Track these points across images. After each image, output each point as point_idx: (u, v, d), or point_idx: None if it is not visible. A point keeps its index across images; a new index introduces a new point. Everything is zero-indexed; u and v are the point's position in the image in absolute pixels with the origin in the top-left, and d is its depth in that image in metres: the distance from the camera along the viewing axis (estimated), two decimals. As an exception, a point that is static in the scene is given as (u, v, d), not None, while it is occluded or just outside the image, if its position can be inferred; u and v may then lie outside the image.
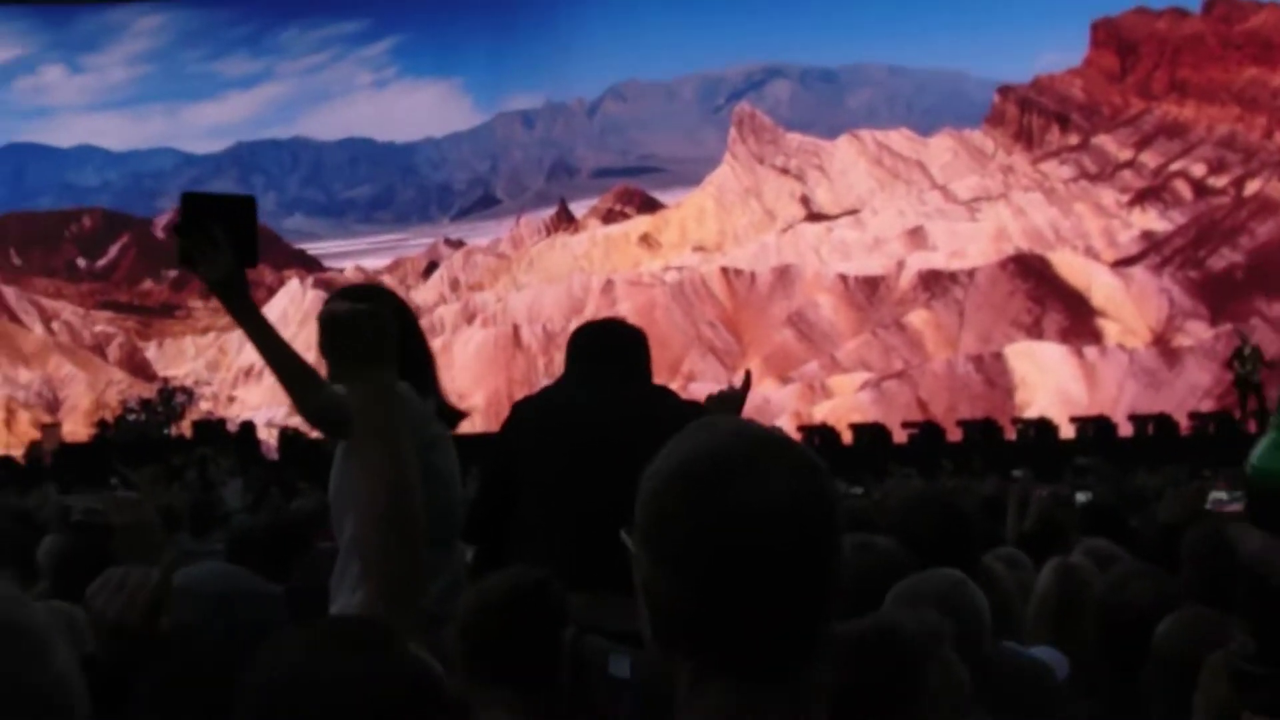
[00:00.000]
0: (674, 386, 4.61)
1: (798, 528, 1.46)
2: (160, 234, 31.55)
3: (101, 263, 31.41)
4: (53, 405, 29.80)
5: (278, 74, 30.10)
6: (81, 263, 31.50)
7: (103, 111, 31.30)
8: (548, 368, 25.16)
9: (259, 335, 3.12)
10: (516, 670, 3.02)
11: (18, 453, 26.16)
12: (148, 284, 31.10)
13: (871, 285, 23.91)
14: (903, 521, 3.78)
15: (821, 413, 23.30)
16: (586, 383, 4.42)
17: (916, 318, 23.84)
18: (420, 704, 1.56)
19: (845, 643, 2.42)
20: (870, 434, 20.93)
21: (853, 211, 24.26)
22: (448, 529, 3.65)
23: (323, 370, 3.04)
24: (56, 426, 27.14)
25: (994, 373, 23.39)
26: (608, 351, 4.49)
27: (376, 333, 2.40)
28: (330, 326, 2.42)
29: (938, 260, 23.99)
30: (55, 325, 30.83)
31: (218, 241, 2.86)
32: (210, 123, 30.74)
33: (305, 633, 1.63)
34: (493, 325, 27.53)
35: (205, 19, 30.52)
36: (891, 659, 2.40)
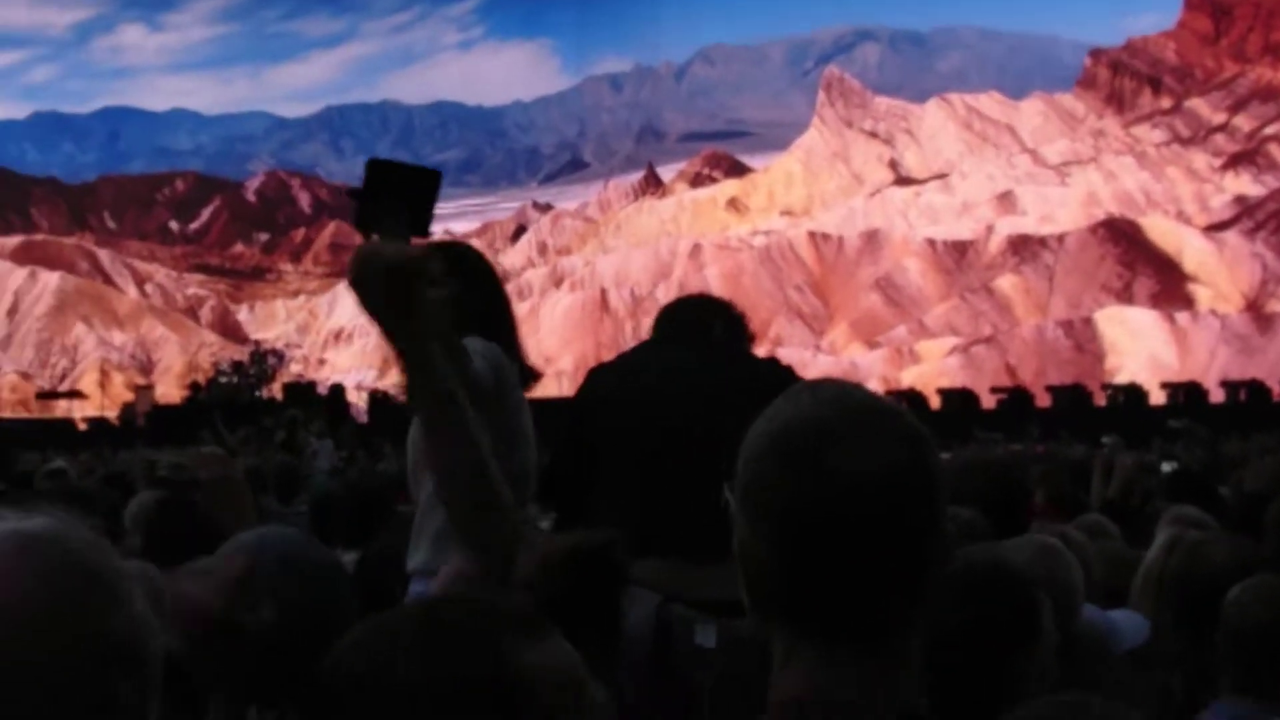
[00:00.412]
0: (761, 351, 4.56)
1: (896, 497, 1.45)
2: (251, 197, 31.81)
3: (194, 226, 31.82)
4: (146, 367, 30.16)
5: (362, 33, 30.33)
6: (174, 226, 31.92)
7: (185, 73, 31.69)
8: (635, 331, 25.26)
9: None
10: (576, 633, 3.01)
11: (112, 414, 26.55)
12: (239, 247, 31.47)
13: (960, 250, 23.84)
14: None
15: (909, 378, 23.28)
16: (674, 346, 4.37)
17: (1005, 283, 23.74)
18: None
19: (961, 577, 2.41)
20: (958, 399, 20.77)
21: (941, 176, 24.18)
22: (523, 492, 3.65)
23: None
24: (150, 388, 27.55)
25: (1084, 338, 23.26)
26: (699, 322, 4.43)
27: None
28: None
29: (1027, 225, 23.87)
30: (148, 288, 31.22)
31: (395, 211, 2.77)
32: (296, 84, 31.07)
33: (416, 623, 1.56)
34: (580, 289, 27.64)
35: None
36: (1012, 595, 2.39)
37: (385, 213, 2.73)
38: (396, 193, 2.77)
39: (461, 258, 3.67)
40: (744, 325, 4.46)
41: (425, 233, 2.76)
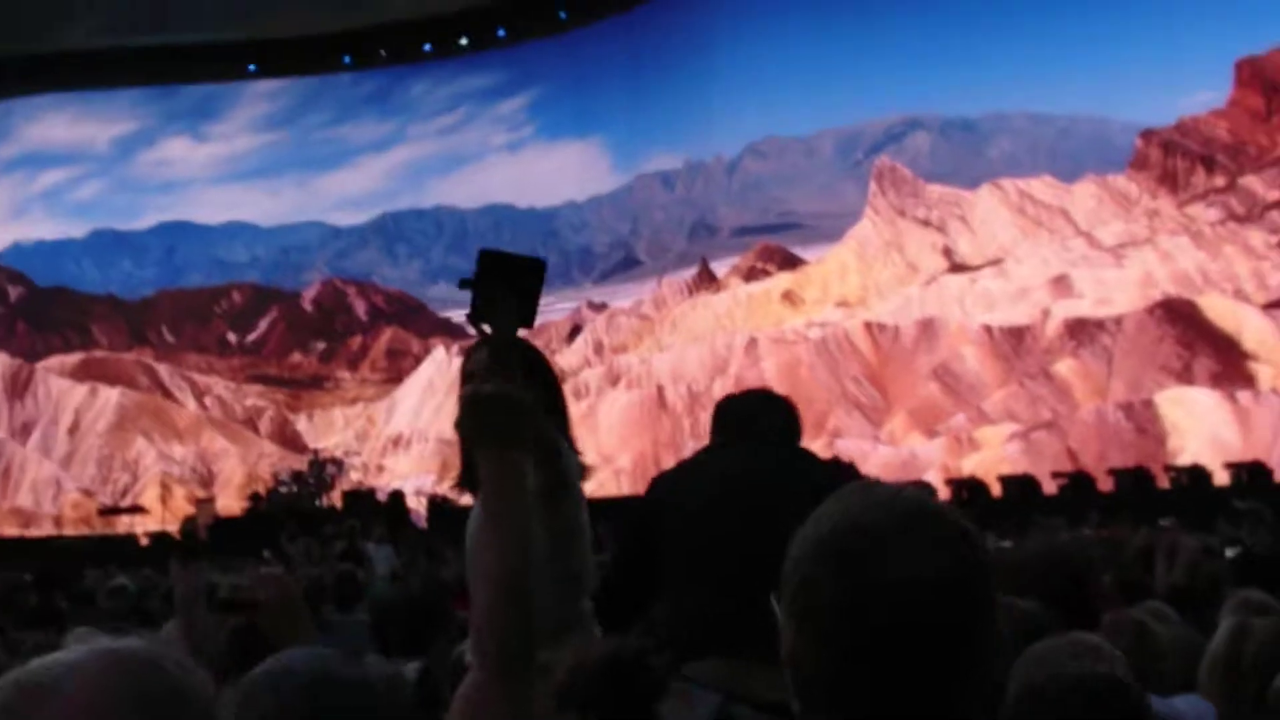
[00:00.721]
0: (819, 443, 4.55)
1: (944, 602, 1.44)
2: (308, 307, 31.95)
3: (251, 337, 31.86)
4: (206, 480, 30.20)
5: (410, 136, 30.45)
6: (232, 337, 31.97)
7: (234, 183, 31.80)
8: (693, 428, 25.13)
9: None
10: None
11: (173, 528, 26.52)
12: (296, 357, 31.50)
13: (1017, 335, 23.66)
14: (1012, 581, 3.71)
15: (970, 465, 23.07)
16: (732, 446, 4.38)
17: (1064, 366, 23.55)
18: None
19: (1081, 690, 2.39)
20: (1020, 486, 20.67)
21: (996, 261, 24.05)
22: (580, 588, 3.65)
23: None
24: (211, 501, 27.51)
25: (1144, 420, 23.04)
26: (754, 418, 4.44)
27: (513, 412, 2.41)
28: (470, 406, 2.43)
29: (1084, 308, 23.70)
30: (208, 400, 31.28)
31: (506, 302, 2.79)
32: (347, 191, 31.15)
33: None
34: (637, 387, 27.56)
35: (324, 80, 30.99)
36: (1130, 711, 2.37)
37: (497, 304, 2.77)
38: (507, 283, 2.80)
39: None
40: (797, 421, 4.46)
41: (531, 324, 2.80)
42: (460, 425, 2.49)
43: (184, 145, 31.20)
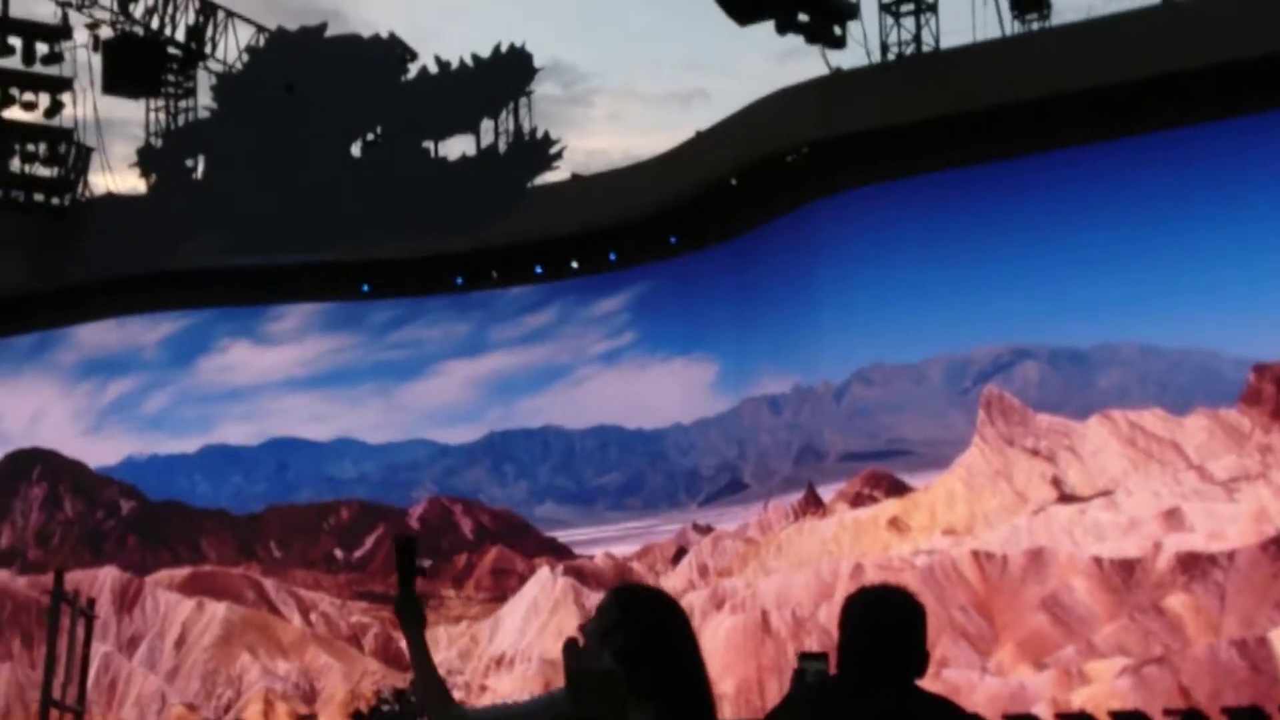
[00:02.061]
0: (926, 673, 4.52)
1: None
2: (415, 524, 32.09)
3: (358, 553, 31.99)
4: (309, 696, 30.17)
5: (493, 341, 30.70)
6: (339, 554, 32.11)
7: (309, 391, 32.07)
8: (798, 653, 24.89)
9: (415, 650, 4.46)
10: None
11: (275, 744, 26.48)
12: (402, 573, 31.53)
13: (1128, 568, 23.37)
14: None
15: (1079, 699, 22.67)
16: (858, 684, 4.33)
17: (1175, 601, 23.20)
18: None
19: None
20: (1131, 722, 20.34)
21: (1106, 493, 23.83)
22: None
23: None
24: (313, 717, 27.46)
25: (1259, 658, 22.60)
26: (883, 636, 4.40)
27: (614, 694, 2.56)
28: (577, 683, 2.66)
29: (1196, 542, 23.40)
30: (313, 616, 31.35)
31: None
32: (441, 401, 31.32)
33: None
34: (742, 611, 27.39)
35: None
36: None
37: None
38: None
39: (643, 609, 3.80)
40: (924, 636, 4.42)
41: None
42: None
43: (245, 350, 31.57)
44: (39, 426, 33.98)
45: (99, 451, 32.98)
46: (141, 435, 32.91)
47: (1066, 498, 24.40)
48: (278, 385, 32.52)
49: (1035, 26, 25.20)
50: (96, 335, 33.07)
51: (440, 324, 31.77)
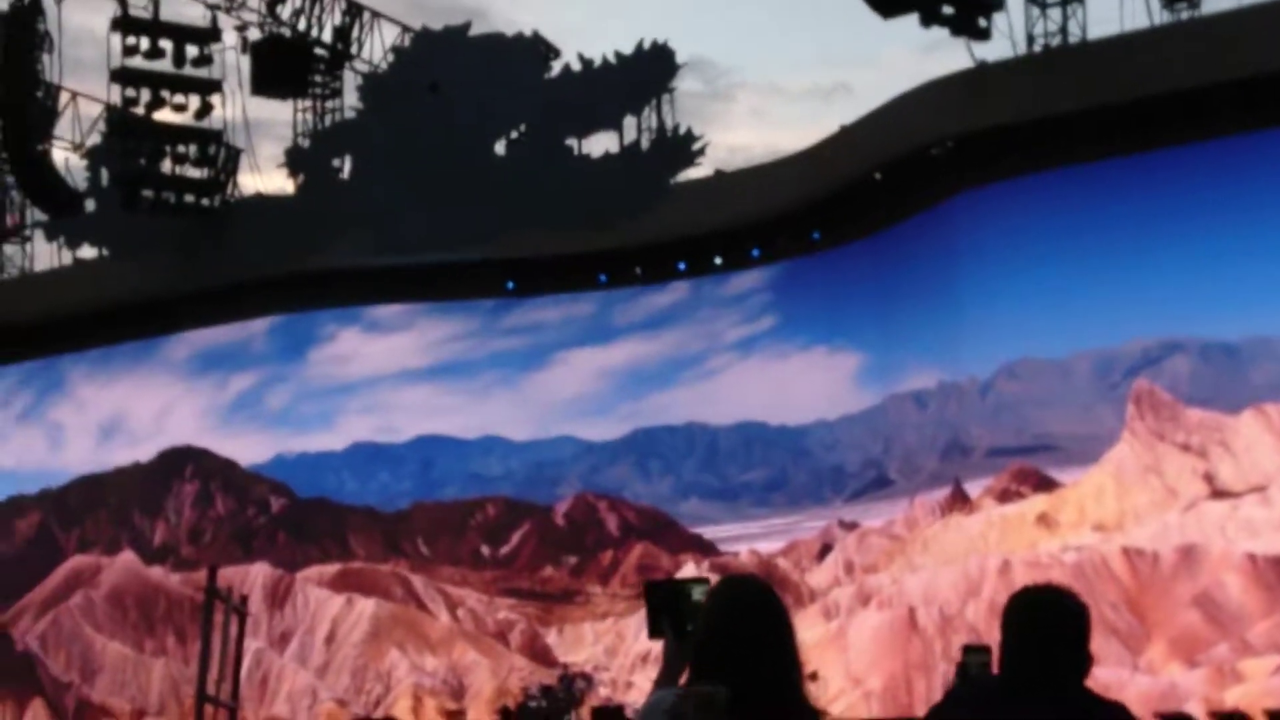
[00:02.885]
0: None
1: None
2: (560, 521, 32.21)
3: (504, 550, 32.17)
4: (458, 692, 30.38)
5: (623, 333, 30.72)
6: (485, 551, 32.31)
7: (428, 382, 32.26)
8: (944, 650, 24.73)
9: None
10: None
11: (425, 739, 26.72)
12: (548, 570, 31.71)
13: (1282, 565, 23.00)
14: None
15: (1233, 698, 22.33)
16: (1021, 686, 4.28)
17: (1331, 598, 22.81)
18: None
19: None
20: (1286, 721, 20.03)
21: (1260, 488, 23.44)
22: None
23: None
24: (461, 713, 27.67)
25: None
26: (1047, 638, 4.35)
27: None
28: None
29: (1352, 538, 22.98)
30: (460, 612, 31.56)
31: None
32: (571, 393, 31.38)
33: None
34: (888, 608, 27.25)
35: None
36: None
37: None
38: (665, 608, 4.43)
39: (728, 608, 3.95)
40: (1087, 639, 4.35)
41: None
42: None
43: (354, 338, 31.79)
44: (170, 423, 34.54)
45: (247, 449, 33.42)
46: (273, 432, 33.32)
47: (1219, 493, 24.03)
48: (395, 378, 32.75)
49: (1184, 16, 24.82)
50: (227, 334, 33.52)
51: (574, 316, 31.91)
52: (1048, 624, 4.36)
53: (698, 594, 4.32)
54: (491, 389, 32.39)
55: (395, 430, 32.94)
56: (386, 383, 32.81)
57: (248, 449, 33.57)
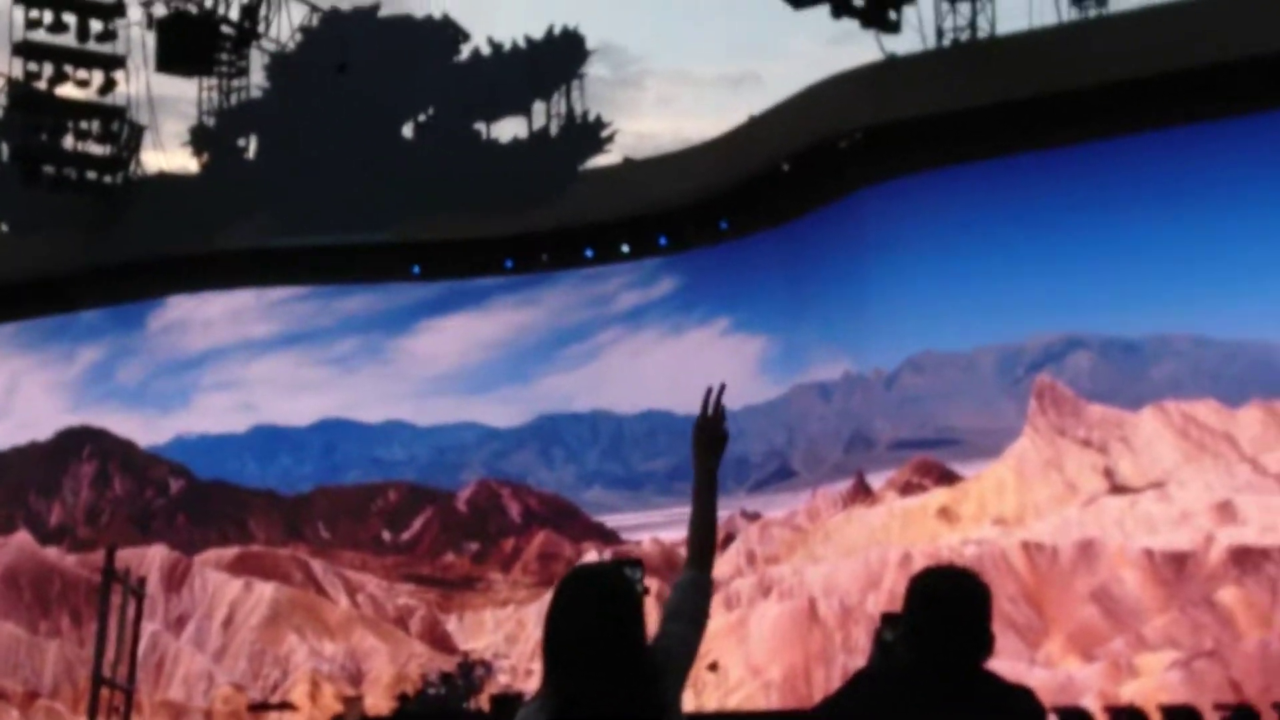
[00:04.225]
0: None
1: None
2: (462, 507, 32.08)
3: (405, 536, 32.02)
4: (356, 678, 30.21)
5: (550, 328, 30.69)
6: (386, 536, 32.14)
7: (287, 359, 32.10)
8: (844, 641, 24.81)
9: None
10: None
11: (320, 725, 26.54)
12: (449, 557, 31.59)
13: (1179, 561, 23.19)
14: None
15: (1129, 693, 22.52)
16: (923, 669, 4.25)
17: (1227, 595, 23.01)
18: None
19: None
20: (1180, 716, 20.18)
21: (1158, 485, 23.64)
22: None
23: None
24: (359, 700, 27.49)
25: (1312, 653, 22.41)
26: (948, 618, 4.32)
27: None
28: None
29: (1249, 535, 23.19)
30: (360, 598, 31.39)
31: None
32: (499, 383, 31.35)
33: None
34: (789, 598, 27.31)
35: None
36: None
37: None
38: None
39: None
40: (988, 616, 4.33)
41: None
42: None
43: (189, 302, 31.67)
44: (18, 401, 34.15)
45: (147, 430, 33.08)
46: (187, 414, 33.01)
47: (1118, 489, 24.23)
48: (244, 348, 32.51)
49: (1092, 14, 24.97)
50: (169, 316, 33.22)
51: (494, 307, 31.83)
52: (948, 603, 4.33)
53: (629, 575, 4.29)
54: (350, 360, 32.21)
55: (252, 408, 32.68)
56: (237, 354, 32.56)
57: (146, 430, 33.22)
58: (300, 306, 32.42)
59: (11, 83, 29.67)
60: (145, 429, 33.16)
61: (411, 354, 32.19)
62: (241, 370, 32.72)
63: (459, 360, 31.97)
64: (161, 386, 33.13)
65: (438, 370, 32.11)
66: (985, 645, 4.34)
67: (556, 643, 3.78)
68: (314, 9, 31.79)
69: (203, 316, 32.80)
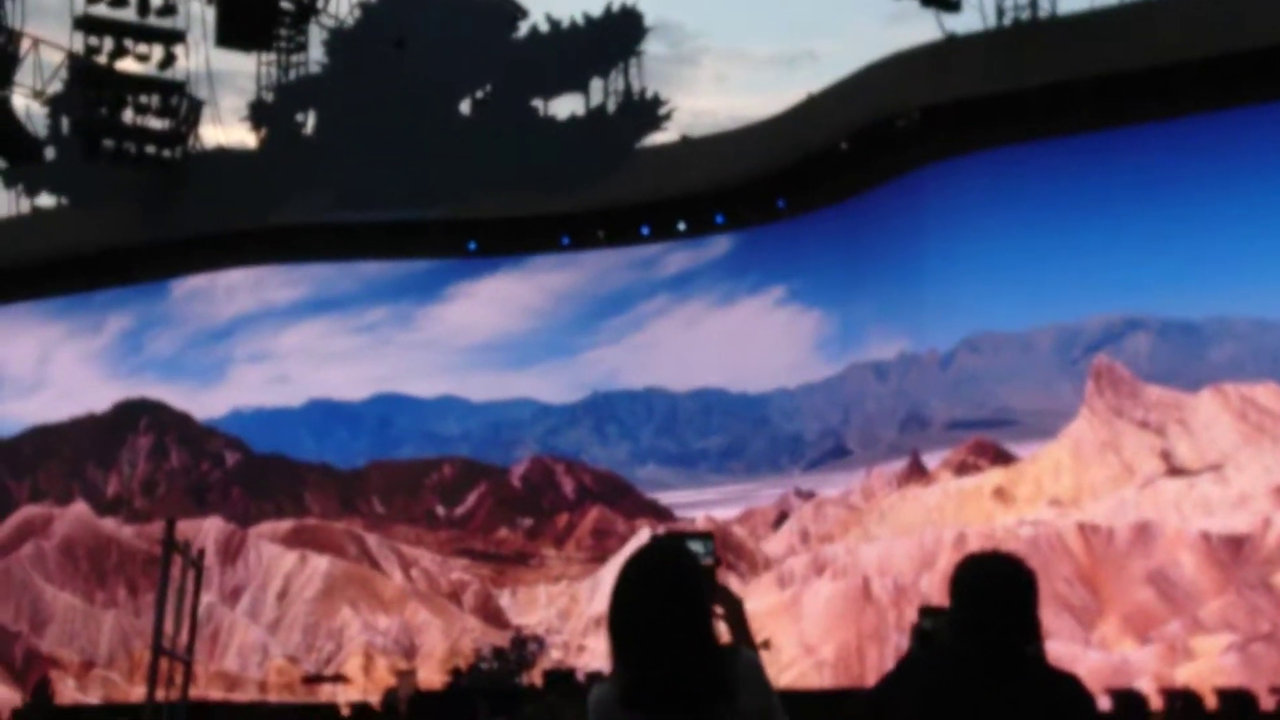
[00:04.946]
0: (1030, 647, 4.42)
1: None
2: (516, 483, 32.14)
3: (459, 511, 32.11)
4: (409, 652, 30.33)
5: (615, 310, 30.70)
6: (440, 511, 32.24)
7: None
8: (898, 622, 24.77)
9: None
10: None
11: (375, 699, 26.63)
12: (503, 532, 31.67)
13: (1236, 544, 23.05)
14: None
15: (1184, 675, 22.40)
16: (969, 656, 4.25)
17: (1284, 578, 22.88)
18: None
19: None
20: (1236, 700, 20.08)
21: (1216, 467, 23.49)
22: None
23: None
24: (412, 673, 27.58)
25: (1368, 637, 22.25)
26: (993, 604, 4.32)
27: None
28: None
29: (1307, 518, 23.03)
30: (414, 572, 31.51)
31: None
32: (558, 362, 31.40)
33: None
34: (843, 577, 27.27)
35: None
36: None
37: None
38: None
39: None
40: (1035, 604, 4.33)
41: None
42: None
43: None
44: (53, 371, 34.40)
45: (205, 403, 33.27)
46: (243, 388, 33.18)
47: (1175, 471, 24.09)
48: (277, 315, 32.66)
49: (1154, -8, 24.79)
50: (193, 285, 33.39)
51: (546, 280, 31.83)
52: (993, 589, 4.32)
53: (696, 548, 4.18)
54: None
55: (287, 380, 32.86)
56: (264, 322, 32.72)
57: (204, 403, 33.40)
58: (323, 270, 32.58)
59: (72, 57, 29.78)
60: (194, 401, 33.36)
61: (448, 322, 32.26)
62: (272, 340, 32.88)
63: (516, 324, 32.03)
64: (197, 357, 33.36)
65: (481, 339, 32.16)
66: (1032, 631, 4.33)
67: (620, 624, 3.78)
68: (373, -15, 31.82)
69: (225, 284, 33.00)
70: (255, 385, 32.70)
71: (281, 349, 32.63)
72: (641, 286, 30.75)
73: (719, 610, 3.97)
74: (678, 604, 3.71)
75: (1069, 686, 4.32)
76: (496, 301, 31.70)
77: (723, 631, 3.97)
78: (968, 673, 4.24)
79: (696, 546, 4.08)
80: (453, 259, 31.49)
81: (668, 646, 3.67)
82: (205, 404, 33.14)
